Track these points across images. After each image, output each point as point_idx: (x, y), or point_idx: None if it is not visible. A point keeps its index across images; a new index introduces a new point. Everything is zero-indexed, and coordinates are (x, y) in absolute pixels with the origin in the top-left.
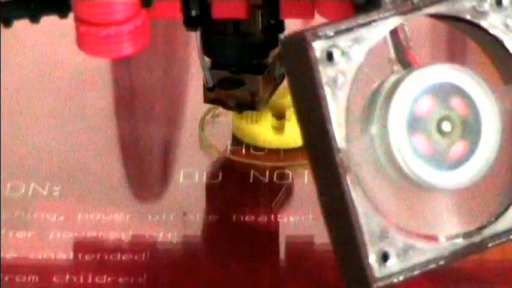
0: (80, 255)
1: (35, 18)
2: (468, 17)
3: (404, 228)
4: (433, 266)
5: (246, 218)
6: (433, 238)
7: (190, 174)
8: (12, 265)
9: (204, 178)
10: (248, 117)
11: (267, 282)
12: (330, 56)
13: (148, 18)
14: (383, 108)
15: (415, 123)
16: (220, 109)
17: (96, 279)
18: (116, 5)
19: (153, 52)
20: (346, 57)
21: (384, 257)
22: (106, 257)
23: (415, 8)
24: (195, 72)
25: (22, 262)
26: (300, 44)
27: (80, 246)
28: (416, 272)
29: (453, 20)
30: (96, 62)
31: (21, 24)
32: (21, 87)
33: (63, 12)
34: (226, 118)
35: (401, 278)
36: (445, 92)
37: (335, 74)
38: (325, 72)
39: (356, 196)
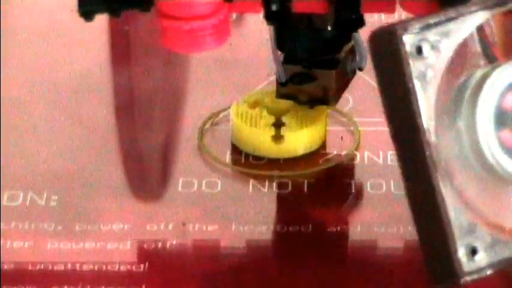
0: (77, 265)
1: (115, 12)
2: None
3: (492, 223)
4: None
5: (245, 228)
6: None
7: (189, 184)
8: (9, 275)
9: (203, 187)
10: (248, 126)
11: None
12: (419, 50)
13: (230, 13)
14: (470, 102)
15: (502, 118)
16: (220, 117)
17: None
18: None
19: (153, 59)
20: (435, 51)
21: (473, 252)
22: (104, 268)
23: (502, 2)
24: (195, 80)
25: (20, 272)
26: (390, 38)
27: (77, 256)
28: (503, 267)
29: None
30: (93, 72)
31: (19, 29)
32: (19, 94)
33: (145, 6)
34: (225, 127)
35: (489, 272)
36: None
37: (425, 68)
38: (414, 66)
39: (445, 190)
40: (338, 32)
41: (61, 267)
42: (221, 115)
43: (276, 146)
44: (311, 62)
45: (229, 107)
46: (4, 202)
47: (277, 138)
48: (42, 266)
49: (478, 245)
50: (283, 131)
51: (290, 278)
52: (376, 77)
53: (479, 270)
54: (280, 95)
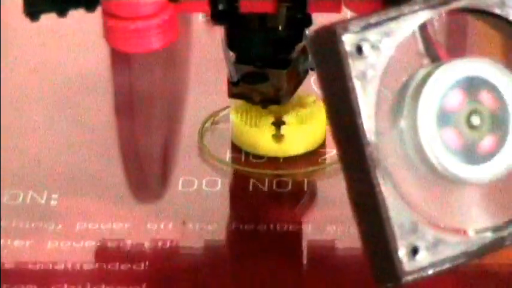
0: (78, 264)
1: (62, 12)
2: (496, 10)
3: (434, 222)
4: (462, 260)
5: (246, 227)
6: (462, 232)
7: (190, 183)
8: (10, 274)
9: (203, 186)
10: (247, 125)
11: None
12: (359, 50)
13: (176, 13)
14: (412, 102)
15: (444, 117)
16: (220, 116)
17: None
18: None
19: (152, 59)
20: (375, 50)
21: (414, 251)
22: (104, 267)
23: (445, 2)
24: (195, 79)
25: (20, 271)
26: (330, 37)
27: (78, 255)
28: (445, 266)
29: (481, 13)
30: (94, 69)
31: (19, 28)
32: (19, 93)
33: (91, 6)
34: (225, 126)
35: (430, 271)
36: (473, 85)
37: (365, 67)
38: (354, 66)
39: (386, 190)
40: (289, 32)
41: (61, 266)
42: (221, 114)
43: (276, 145)
44: (263, 62)
45: (229, 106)
46: (4, 201)
47: (277, 137)
48: (42, 265)
49: (420, 244)
50: (283, 130)
51: (294, 276)
52: (317, 77)
53: (421, 269)
54: (232, 95)
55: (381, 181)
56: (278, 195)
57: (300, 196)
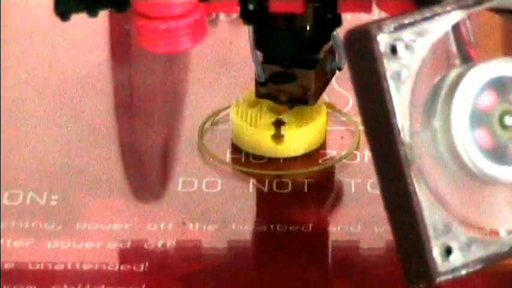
0: (78, 264)
1: (92, 12)
2: None
3: (467, 222)
4: (494, 260)
5: (245, 227)
6: (494, 232)
7: (189, 183)
8: (10, 274)
9: (203, 187)
10: (248, 125)
11: None
12: (394, 50)
13: (206, 13)
14: (445, 102)
15: (477, 118)
16: (220, 117)
17: None
18: None
19: (153, 58)
20: (409, 51)
21: (447, 251)
22: (104, 267)
23: (478, 2)
24: (195, 79)
25: (20, 272)
26: (365, 37)
27: (78, 255)
28: (477, 267)
29: None
30: (93, 70)
31: (19, 27)
32: (19, 92)
33: (121, 6)
34: (225, 126)
35: (463, 272)
36: (506, 86)
37: (399, 67)
38: (389, 66)
39: (419, 190)
40: (317, 32)
41: (61, 267)
42: (221, 114)
43: (276, 146)
44: (290, 62)
45: (229, 106)
46: (4, 201)
47: (277, 137)
48: (42, 265)
49: (453, 244)
50: (283, 130)
51: (293, 277)
52: (351, 77)
53: (454, 270)
54: (259, 95)
55: (414, 181)
56: (278, 195)
57: (301, 197)
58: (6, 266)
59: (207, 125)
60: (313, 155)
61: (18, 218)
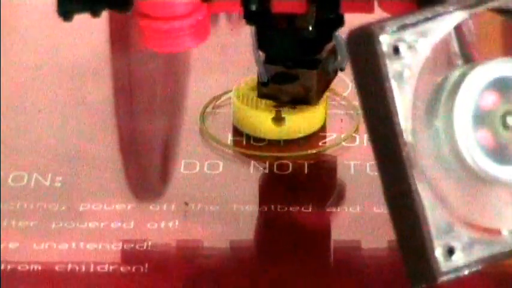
0: (81, 244)
1: (95, 12)
2: None
3: (469, 222)
4: (496, 260)
5: (247, 208)
6: (496, 232)
7: (192, 165)
8: (14, 254)
9: (205, 168)
10: (249, 108)
11: (268, 275)
12: (396, 50)
13: (210, 13)
14: (448, 102)
15: (479, 118)
16: (221, 100)
17: (98, 268)
18: None
19: None
20: (412, 51)
21: (450, 251)
22: (108, 247)
23: (480, 2)
24: (197, 63)
25: (24, 252)
26: (367, 38)
27: (81, 235)
28: (480, 267)
29: None
30: (96, 54)
31: (21, 17)
32: (23, 79)
33: (125, 6)
34: (226, 109)
35: (466, 272)
36: (508, 86)
37: (401, 67)
38: (391, 66)
39: (422, 190)
40: (319, 32)
41: (65, 246)
42: (223, 98)
43: (277, 128)
44: (293, 62)
45: (231, 90)
46: (9, 183)
47: (278, 120)
48: (46, 245)
49: (456, 244)
50: (284, 113)
51: (294, 260)
52: (353, 77)
53: (457, 270)
54: (261, 95)
55: (417, 181)
56: (279, 177)
57: (301, 178)
58: (10, 246)
59: (209, 108)
60: (313, 137)
61: (23, 199)
